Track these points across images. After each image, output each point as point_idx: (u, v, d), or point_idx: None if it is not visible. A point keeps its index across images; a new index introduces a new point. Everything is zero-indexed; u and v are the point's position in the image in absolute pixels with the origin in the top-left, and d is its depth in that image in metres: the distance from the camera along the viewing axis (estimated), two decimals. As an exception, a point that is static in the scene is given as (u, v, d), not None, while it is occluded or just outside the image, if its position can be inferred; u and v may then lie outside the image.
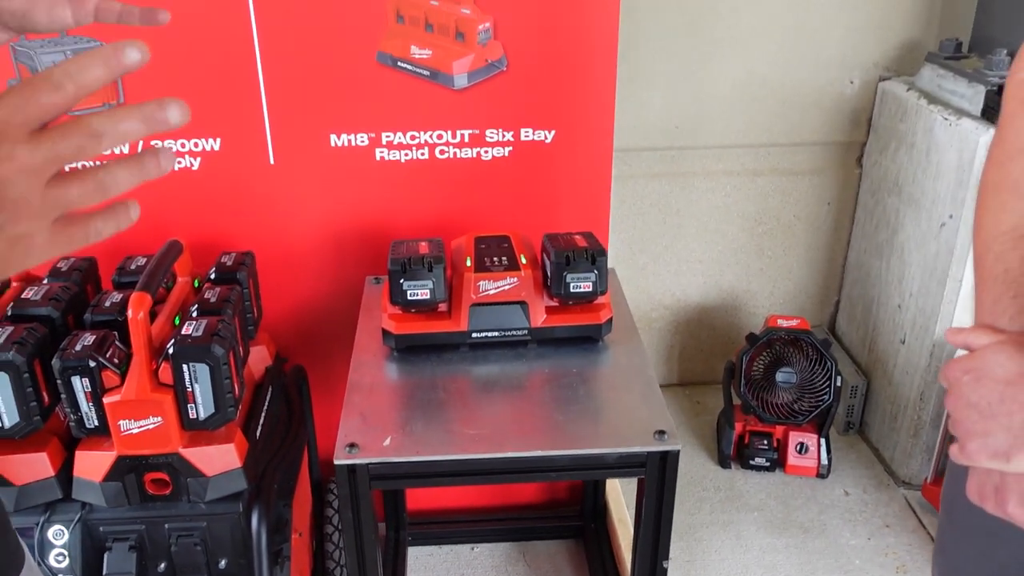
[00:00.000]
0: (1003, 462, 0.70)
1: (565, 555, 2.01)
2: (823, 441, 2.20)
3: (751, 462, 2.23)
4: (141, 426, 1.29)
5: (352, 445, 1.25)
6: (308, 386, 1.79)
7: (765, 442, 2.22)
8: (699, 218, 2.38)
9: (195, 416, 1.31)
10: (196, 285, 1.51)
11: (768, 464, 2.22)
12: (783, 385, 2.15)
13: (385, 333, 1.46)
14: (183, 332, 1.29)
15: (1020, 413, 0.68)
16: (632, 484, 2.03)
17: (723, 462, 2.27)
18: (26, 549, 0.91)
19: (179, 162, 1.66)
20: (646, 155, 2.29)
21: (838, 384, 2.14)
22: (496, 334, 1.47)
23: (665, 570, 1.37)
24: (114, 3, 0.87)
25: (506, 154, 1.72)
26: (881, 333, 2.27)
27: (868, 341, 2.34)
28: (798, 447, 2.21)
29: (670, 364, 2.59)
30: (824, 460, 2.21)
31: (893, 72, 2.23)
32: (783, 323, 2.17)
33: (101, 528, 1.37)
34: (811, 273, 2.48)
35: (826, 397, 2.15)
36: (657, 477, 1.29)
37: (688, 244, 2.41)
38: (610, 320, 1.50)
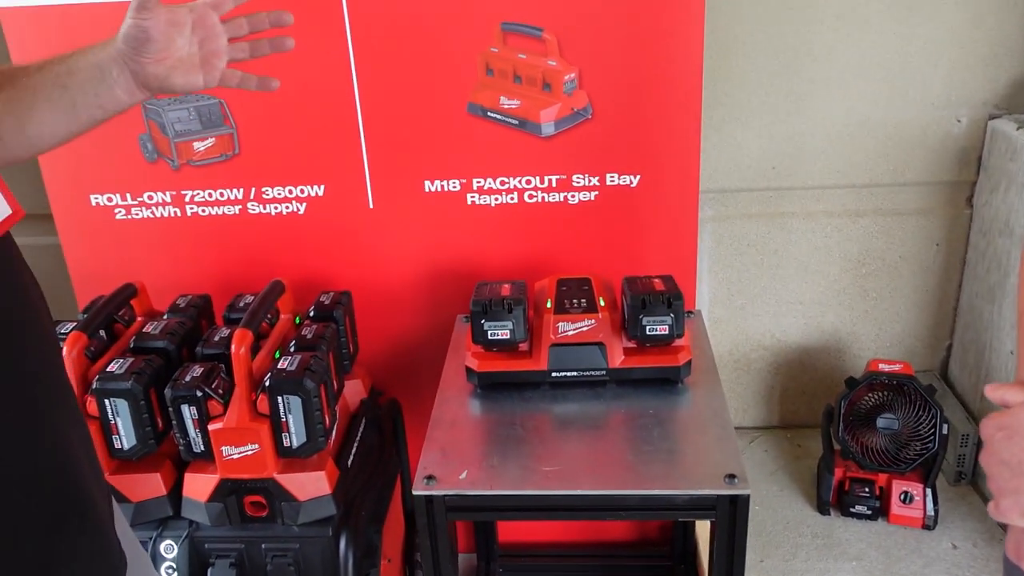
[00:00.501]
0: (1031, 520, 0.70)
1: (653, 595, 2.01)
2: (929, 491, 2.12)
3: (851, 509, 2.17)
4: (241, 452, 1.40)
5: (430, 477, 1.32)
6: (402, 419, 1.87)
7: (867, 489, 2.16)
8: (798, 259, 2.35)
9: (288, 444, 1.41)
10: (297, 322, 1.63)
11: (870, 512, 2.16)
12: (884, 431, 2.09)
13: (468, 371, 1.53)
14: (279, 367, 1.40)
15: None
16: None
17: (822, 508, 2.21)
18: (137, 552, 1.02)
19: (287, 207, 1.79)
20: (743, 196, 2.29)
21: (944, 432, 2.06)
22: (575, 374, 1.51)
23: (738, 614, 1.37)
24: (236, 70, 1.00)
25: (592, 198, 1.77)
26: (994, 380, 2.17)
27: (980, 388, 2.25)
28: (903, 496, 2.13)
29: (770, 406, 2.55)
30: (931, 511, 2.12)
31: (1003, 110, 2.16)
32: (885, 367, 2.12)
33: (206, 545, 1.48)
34: (920, 316, 2.41)
35: (931, 445, 2.08)
36: (727, 520, 1.30)
37: (787, 285, 2.39)
38: (689, 363, 1.51)
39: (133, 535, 1.04)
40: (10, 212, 0.71)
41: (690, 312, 1.77)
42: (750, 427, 2.57)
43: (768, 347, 2.47)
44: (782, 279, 2.39)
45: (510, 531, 2.09)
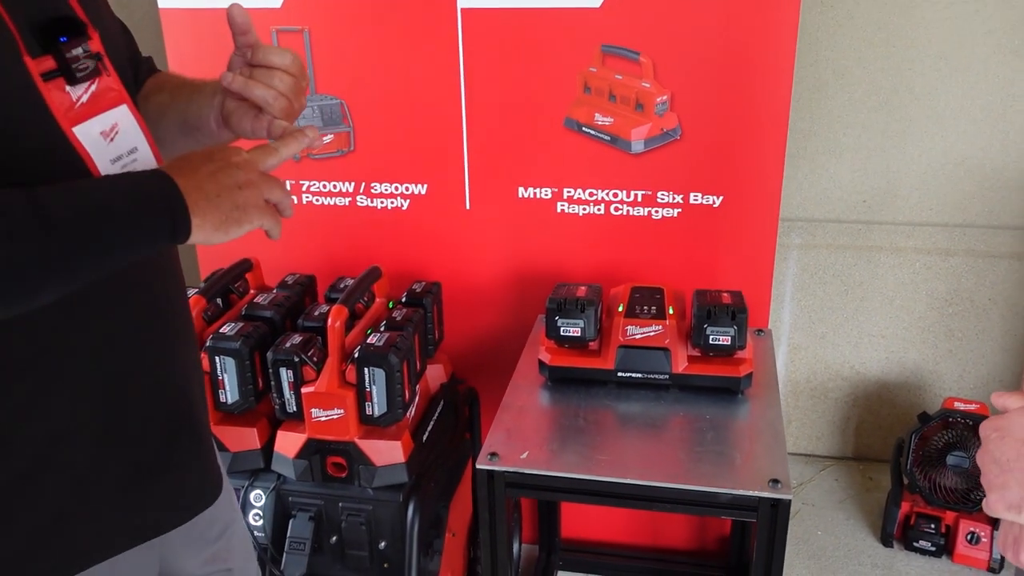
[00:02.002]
0: (1016, 514, 0.77)
1: (705, 604, 2.07)
2: (998, 534, 2.10)
3: (915, 544, 2.17)
4: (328, 415, 1.56)
5: (494, 454, 1.44)
6: (478, 407, 2.00)
7: (932, 526, 2.16)
8: (883, 292, 2.37)
9: (371, 413, 1.56)
10: (390, 306, 1.78)
11: (934, 549, 2.16)
12: (954, 469, 2.09)
13: (541, 364, 1.65)
14: (368, 341, 1.55)
15: None
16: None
17: (885, 540, 2.22)
18: (228, 487, 1.18)
19: (392, 202, 1.95)
20: (831, 226, 2.33)
21: (1017, 477, 2.05)
22: (640, 375, 1.61)
23: (774, 617, 1.43)
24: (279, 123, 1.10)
25: (675, 215, 1.86)
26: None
27: (1064, 438, 2.21)
28: (969, 537, 2.13)
29: (845, 436, 2.56)
30: (997, 555, 2.11)
31: (1107, 159, 2.14)
32: (960, 405, 2.12)
33: (290, 498, 1.65)
34: (1005, 360, 2.38)
35: (1003, 489, 2.06)
36: (768, 523, 1.37)
37: (870, 317, 2.41)
38: (750, 375, 1.59)
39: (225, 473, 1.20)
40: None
41: (760, 330, 1.84)
42: (823, 455, 2.59)
43: (847, 378, 2.50)
44: (865, 312, 2.41)
45: (572, 527, 2.19)
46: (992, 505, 0.79)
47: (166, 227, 0.80)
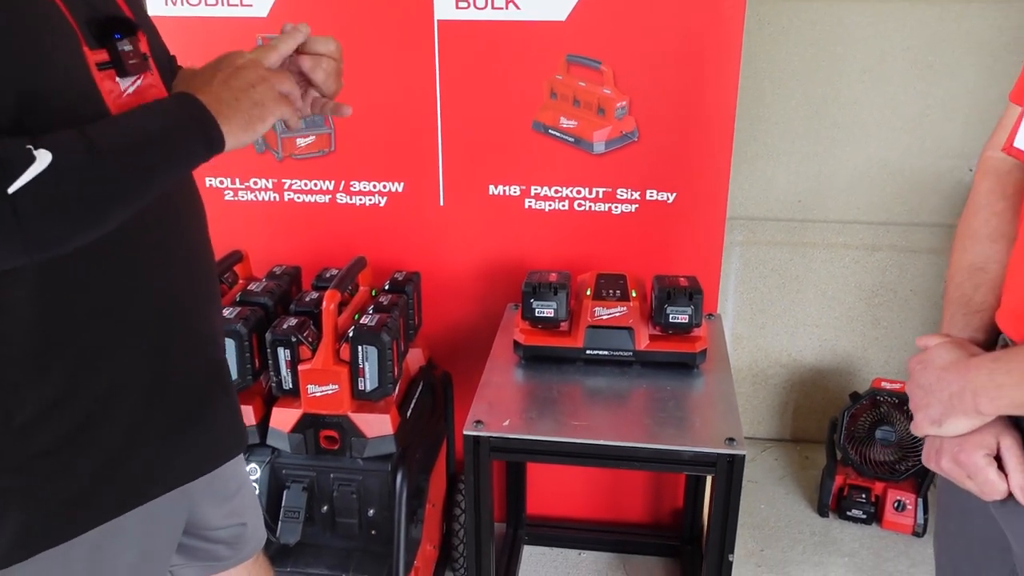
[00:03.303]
0: (937, 428, 0.95)
1: (662, 571, 2.24)
2: (921, 500, 2.33)
3: (848, 513, 2.39)
4: (323, 391, 1.68)
5: (479, 422, 1.59)
6: (452, 391, 2.14)
7: (863, 496, 2.38)
8: (817, 285, 2.60)
9: (363, 388, 1.69)
10: (373, 294, 1.91)
11: (864, 517, 2.37)
12: (882, 443, 2.31)
13: (516, 344, 1.80)
14: (361, 322, 1.69)
15: (948, 390, 0.94)
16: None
17: (821, 511, 2.43)
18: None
19: (370, 199, 2.09)
20: (769, 224, 2.55)
21: (937, 448, 2.28)
22: (606, 353, 1.77)
23: (730, 563, 1.60)
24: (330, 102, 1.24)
25: (633, 210, 2.04)
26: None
27: (977, 415, 2.45)
28: (896, 504, 2.35)
29: (784, 420, 2.78)
30: (920, 519, 2.33)
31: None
32: (887, 385, 2.34)
33: (284, 471, 1.77)
34: (926, 346, 2.62)
35: (925, 459, 2.29)
36: (725, 476, 1.54)
37: (805, 309, 2.63)
38: (704, 351, 1.77)
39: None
40: None
41: (711, 315, 2.03)
42: (763, 438, 2.80)
43: (785, 365, 2.71)
44: (801, 303, 2.63)
45: (537, 505, 2.34)
46: (918, 423, 0.98)
47: (200, 140, 0.94)
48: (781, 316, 2.65)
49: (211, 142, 0.94)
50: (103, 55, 0.95)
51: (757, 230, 2.56)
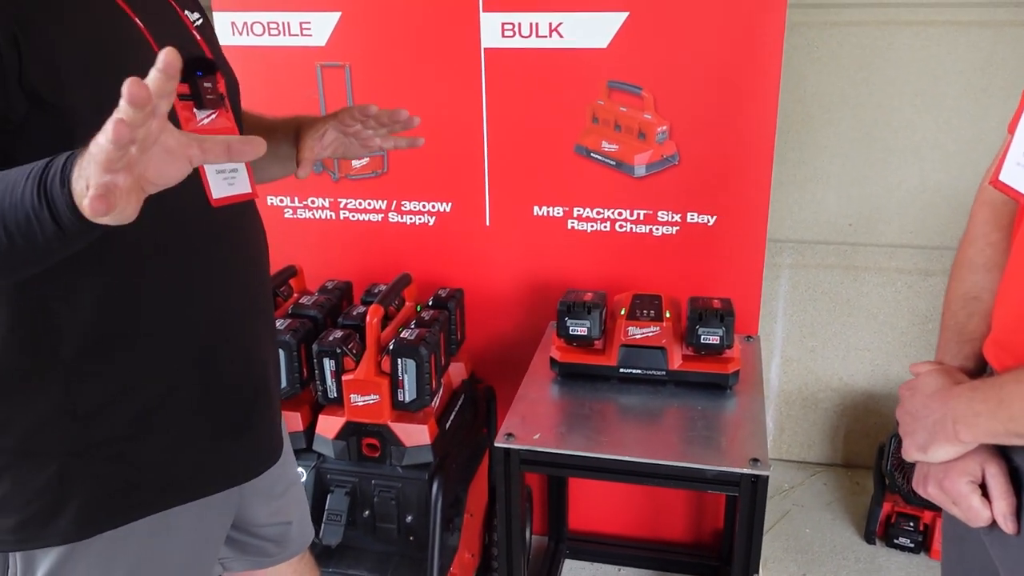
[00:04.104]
0: (923, 454, 0.97)
1: (700, 590, 2.26)
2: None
3: (896, 541, 2.35)
4: (365, 400, 1.77)
5: (510, 435, 1.65)
6: (495, 405, 2.21)
7: (911, 524, 2.34)
8: (868, 309, 2.58)
9: (402, 399, 1.77)
10: (418, 309, 2.00)
11: (913, 546, 2.34)
12: (930, 470, 2.28)
13: (552, 360, 1.86)
14: (401, 336, 1.77)
15: (932, 417, 0.96)
16: (770, 540, 2.27)
17: (868, 538, 2.40)
18: (288, 449, 1.39)
19: (420, 219, 2.18)
20: (819, 248, 2.55)
21: (988, 477, 2.24)
22: (639, 371, 1.82)
23: (755, 583, 1.62)
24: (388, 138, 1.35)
25: (674, 232, 2.08)
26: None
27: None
28: (944, 534, 2.30)
29: (835, 445, 2.75)
30: (970, 550, 2.28)
31: (1070, 188, 2.34)
32: (936, 412, 2.31)
33: (328, 475, 1.85)
34: (983, 374, 2.57)
35: (976, 489, 2.25)
36: (749, 497, 1.57)
37: (857, 333, 2.61)
38: (737, 372, 1.79)
39: (287, 437, 1.42)
40: (249, 191, 1.10)
41: (750, 337, 2.05)
42: (814, 462, 2.78)
43: (835, 389, 2.69)
44: (853, 327, 2.61)
45: (579, 520, 2.38)
46: (906, 449, 1.00)
47: (42, 198, 0.79)
48: (832, 340, 2.64)
49: (56, 211, 0.78)
50: (185, 88, 1.05)
51: (807, 253, 2.56)
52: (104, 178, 0.74)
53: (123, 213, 0.77)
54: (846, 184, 2.47)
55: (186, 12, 1.16)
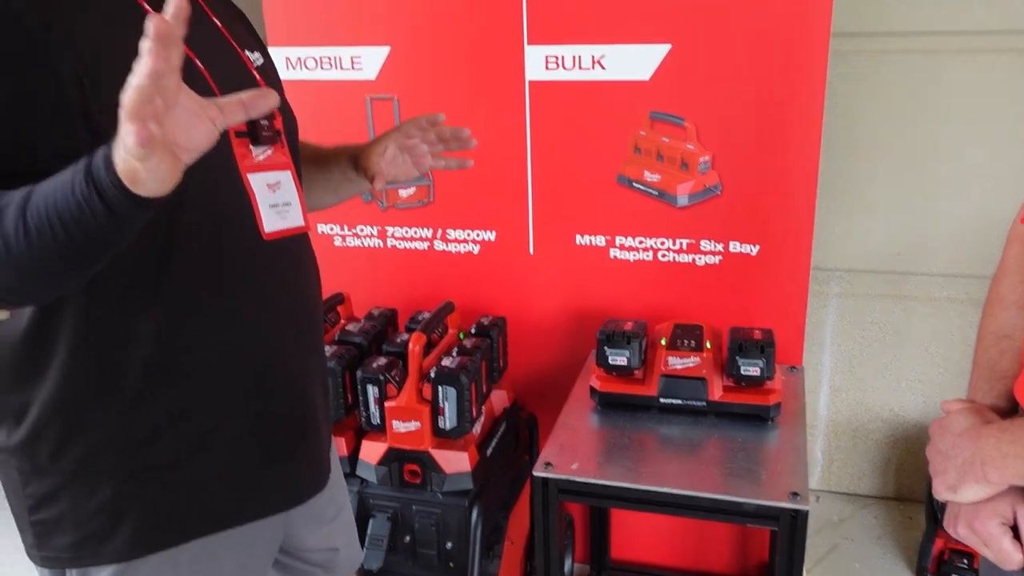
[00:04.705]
0: (953, 494, 0.96)
1: (744, 624, 2.23)
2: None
3: (948, 578, 2.30)
4: (406, 427, 1.80)
5: (548, 464, 1.66)
6: (538, 432, 2.22)
7: (965, 561, 2.28)
8: (919, 339, 2.53)
9: (443, 426, 1.80)
10: (461, 336, 2.03)
11: (966, 583, 2.28)
12: (983, 506, 2.22)
13: (592, 390, 1.87)
14: (442, 364, 1.80)
15: (961, 456, 0.95)
16: (820, 575, 2.23)
17: (920, 574, 2.34)
18: (339, 472, 1.42)
19: (465, 247, 2.22)
20: (868, 277, 2.51)
21: (1045, 515, 2.17)
22: (680, 402, 1.82)
23: (795, 618, 1.60)
24: (439, 158, 1.40)
25: (717, 262, 2.08)
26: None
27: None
28: (999, 572, 2.24)
29: (886, 477, 2.70)
30: (1026, 590, 2.22)
31: None
32: (989, 446, 2.25)
33: (371, 500, 1.89)
34: (1040, 407, 2.51)
35: (1032, 526, 2.18)
36: (788, 532, 1.55)
37: (908, 363, 2.56)
38: (778, 404, 1.78)
39: (339, 462, 1.45)
40: (301, 224, 1.15)
41: (794, 367, 2.03)
42: (864, 495, 2.73)
43: (887, 420, 2.64)
44: (903, 358, 2.57)
45: (621, 548, 2.37)
46: (936, 489, 0.99)
47: (94, 193, 0.83)
48: (882, 370, 2.59)
49: (104, 195, 0.83)
50: (242, 125, 1.10)
51: (855, 282, 2.53)
52: (138, 122, 0.77)
53: (160, 171, 0.81)
54: (895, 212, 2.44)
55: (247, 52, 1.21)
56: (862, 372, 2.61)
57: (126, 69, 0.95)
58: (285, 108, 1.23)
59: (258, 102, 0.85)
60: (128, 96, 0.78)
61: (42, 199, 0.86)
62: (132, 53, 0.98)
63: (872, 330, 2.57)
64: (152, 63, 0.77)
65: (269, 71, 1.24)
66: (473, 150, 1.45)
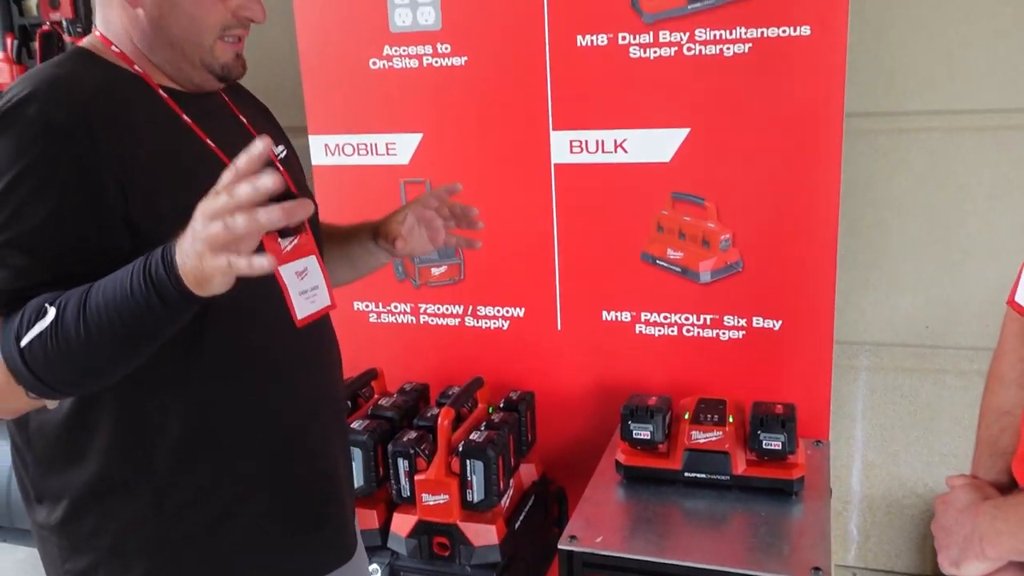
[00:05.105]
0: (956, 569, 0.99)
1: None
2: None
3: (988, 659, 2.24)
4: (435, 500, 1.85)
5: (573, 537, 1.70)
6: (567, 505, 2.25)
7: (1005, 642, 2.23)
8: (951, 413, 2.52)
9: (471, 499, 1.84)
10: (490, 411, 2.08)
11: (1007, 665, 2.22)
12: (1022, 584, 2.18)
13: (617, 463, 1.91)
14: (470, 438, 1.85)
15: (962, 532, 0.98)
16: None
17: (959, 654, 2.30)
18: (361, 548, 1.47)
19: (495, 323, 2.29)
20: (897, 350, 2.52)
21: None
22: (704, 476, 1.84)
23: None
24: (451, 235, 1.48)
25: (740, 337, 2.12)
26: None
27: None
28: (1042, 653, 2.19)
29: (923, 554, 2.66)
30: (1071, 672, 2.16)
31: None
32: (1025, 522, 2.22)
33: (401, 573, 1.92)
34: (1079, 482, 2.47)
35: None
36: (811, 608, 1.56)
37: (940, 437, 2.55)
38: (802, 478, 1.80)
39: (360, 536, 1.50)
40: (329, 303, 1.22)
41: (819, 442, 2.05)
42: (902, 572, 2.68)
43: (921, 495, 2.61)
44: (936, 432, 2.55)
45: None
46: (941, 564, 1.02)
47: (154, 294, 0.93)
48: (914, 444, 2.58)
49: (160, 297, 0.93)
50: None
51: (884, 356, 2.54)
52: (221, 254, 0.89)
53: (225, 281, 0.92)
54: (921, 286, 2.46)
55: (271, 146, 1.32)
56: (895, 447, 2.60)
57: (164, 176, 1.06)
58: (307, 195, 1.32)
59: (297, 212, 0.93)
60: (215, 231, 0.88)
61: (101, 299, 0.96)
62: (170, 161, 1.09)
63: (903, 404, 2.56)
64: (246, 223, 0.87)
65: (292, 162, 1.34)
66: (501, 230, 1.52)
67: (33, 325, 0.96)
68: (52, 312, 0.95)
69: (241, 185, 0.88)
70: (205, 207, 0.90)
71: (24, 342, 0.96)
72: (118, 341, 0.98)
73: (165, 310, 0.94)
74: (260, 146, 0.90)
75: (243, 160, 0.89)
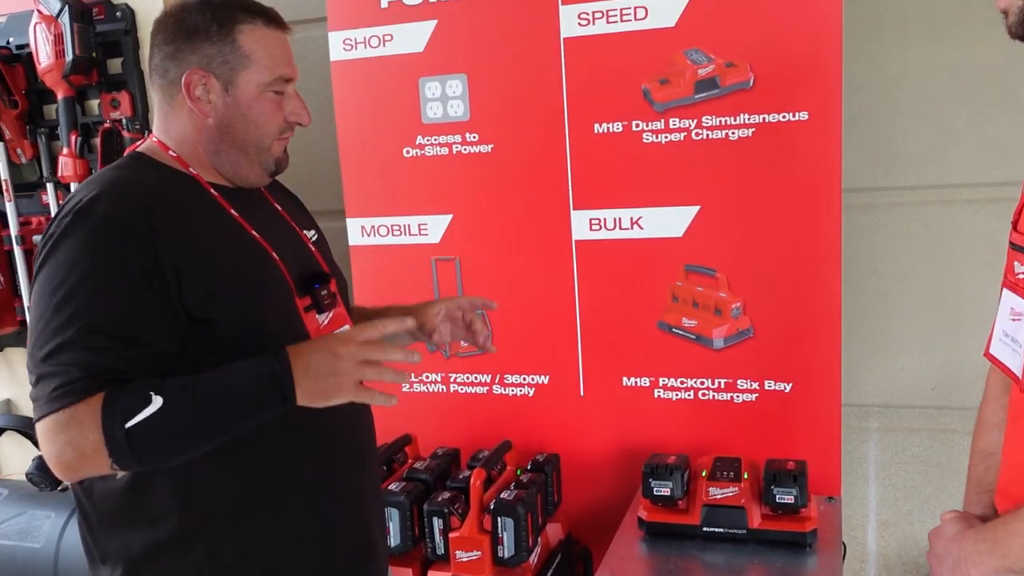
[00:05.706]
0: (945, 597, 1.11)
1: None
2: None
3: None
4: (469, 556, 1.96)
5: (598, 590, 1.81)
6: (592, 564, 2.35)
7: None
8: (962, 472, 2.59)
9: (502, 555, 1.96)
10: (518, 472, 2.20)
11: None
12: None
13: (639, 520, 2.02)
14: (501, 497, 1.98)
15: (951, 558, 1.10)
16: None
17: None
18: None
19: (520, 390, 2.43)
20: (905, 411, 2.64)
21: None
22: (721, 530, 1.95)
23: None
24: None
25: (754, 399, 2.25)
26: None
27: None
28: None
29: (942, 612, 2.71)
30: None
31: None
32: (1037, 577, 2.30)
33: (436, 627, 2.03)
34: (1090, 538, 2.54)
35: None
36: (826, 655, 1.66)
37: (952, 496, 2.63)
38: (815, 531, 1.90)
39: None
40: None
41: (831, 498, 2.15)
42: (921, 629, 2.74)
43: (937, 554, 2.69)
44: (948, 491, 2.64)
45: None
46: (938, 592, 1.14)
47: (276, 398, 1.17)
48: (928, 503, 2.67)
49: (283, 400, 1.16)
50: (307, 300, 1.36)
51: (893, 417, 2.65)
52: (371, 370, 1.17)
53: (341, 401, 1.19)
54: (925, 350, 2.58)
55: (304, 231, 1.48)
56: (908, 506, 2.69)
57: (214, 261, 1.24)
58: (337, 272, 1.48)
59: (405, 372, 1.23)
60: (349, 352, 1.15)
61: (219, 396, 1.16)
62: (219, 248, 1.28)
63: (914, 464, 2.66)
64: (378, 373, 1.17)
65: (322, 245, 1.51)
66: (527, 303, 1.67)
67: (140, 410, 1.10)
68: (158, 400, 1.10)
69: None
70: (356, 353, 1.15)
71: (130, 424, 1.09)
72: (225, 431, 1.17)
73: (277, 409, 1.17)
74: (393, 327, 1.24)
75: (391, 327, 1.22)
